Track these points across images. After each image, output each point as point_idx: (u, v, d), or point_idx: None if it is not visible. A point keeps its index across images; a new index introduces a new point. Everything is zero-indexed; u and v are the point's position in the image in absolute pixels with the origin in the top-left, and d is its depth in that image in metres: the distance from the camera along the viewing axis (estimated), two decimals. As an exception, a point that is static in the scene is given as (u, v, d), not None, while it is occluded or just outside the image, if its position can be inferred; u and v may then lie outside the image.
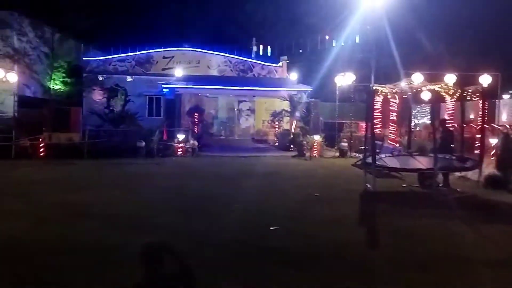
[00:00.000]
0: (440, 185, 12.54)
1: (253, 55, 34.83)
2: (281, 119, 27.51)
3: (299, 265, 6.31)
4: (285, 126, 28.05)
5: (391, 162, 12.58)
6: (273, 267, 6.21)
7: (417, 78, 20.43)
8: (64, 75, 23.12)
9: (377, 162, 11.89)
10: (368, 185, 12.36)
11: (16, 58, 22.09)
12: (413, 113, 22.39)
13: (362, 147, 20.54)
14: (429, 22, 25.37)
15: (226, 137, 30.31)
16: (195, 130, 24.63)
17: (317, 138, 21.39)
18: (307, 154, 21.04)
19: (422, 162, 12.53)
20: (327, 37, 34.36)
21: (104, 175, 15.26)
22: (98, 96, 27.99)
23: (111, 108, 26.94)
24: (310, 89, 27.41)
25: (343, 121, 24.42)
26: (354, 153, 21.25)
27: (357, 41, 28.12)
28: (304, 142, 21.19)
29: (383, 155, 13.30)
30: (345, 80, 22.80)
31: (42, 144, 20.03)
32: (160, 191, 12.17)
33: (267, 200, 10.99)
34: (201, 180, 14.18)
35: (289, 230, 8.12)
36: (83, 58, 28.29)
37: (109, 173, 15.78)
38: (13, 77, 21.75)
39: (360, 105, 25.46)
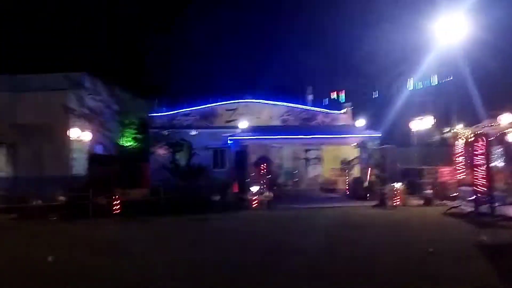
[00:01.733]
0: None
1: (309, 104, 34.34)
2: (351, 167, 26.44)
3: None
4: (355, 174, 26.92)
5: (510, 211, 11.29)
6: None
7: (505, 118, 19.20)
8: (135, 131, 23.26)
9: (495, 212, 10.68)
10: (484, 237, 11.13)
11: (90, 118, 22.49)
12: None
13: (452, 194, 19.24)
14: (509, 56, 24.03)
15: (294, 188, 29.40)
16: (265, 182, 23.93)
17: (399, 185, 20.17)
18: (389, 203, 19.81)
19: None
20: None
21: (193, 232, 14.71)
22: (163, 151, 28.07)
23: (176, 162, 26.95)
24: (380, 135, 26.40)
25: (423, 167, 23.16)
26: (440, 201, 19.85)
27: (433, 82, 26.99)
28: (385, 191, 19.97)
29: (495, 204, 12.01)
30: (422, 124, 21.73)
31: (118, 202, 19.83)
32: (264, 249, 11.35)
33: (378, 257, 9.97)
34: (294, 235, 13.35)
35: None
36: (149, 115, 28.62)
37: (197, 230, 15.27)
38: (87, 136, 22.11)
39: (442, 149, 24.33)
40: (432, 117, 21.59)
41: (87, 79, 23.74)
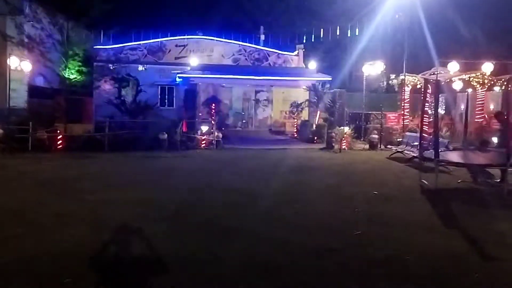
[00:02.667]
0: (497, 181, 11.81)
1: (261, 44, 33.80)
2: (300, 110, 26.60)
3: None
4: (304, 117, 27.20)
5: (453, 157, 11.73)
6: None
7: (453, 67, 19.73)
8: (80, 63, 22.05)
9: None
10: (425, 182, 11.58)
11: (30, 46, 20.97)
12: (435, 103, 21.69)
13: (397, 139, 19.85)
14: (465, 5, 24.14)
15: (243, 129, 29.38)
16: (214, 122, 23.72)
17: (347, 130, 20.53)
18: (336, 146, 20.20)
19: (486, 157, 11.69)
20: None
21: (135, 171, 14.31)
22: (109, 86, 27.02)
23: (122, 98, 26.09)
24: (330, 79, 26.62)
25: (370, 112, 23.64)
26: (385, 146, 20.46)
27: (386, 28, 27.03)
28: (333, 134, 20.29)
29: (439, 149, 12.42)
30: (373, 69, 21.94)
31: (60, 136, 19.07)
32: (206, 188, 11.25)
33: (325, 199, 10.16)
34: (241, 176, 13.35)
35: (380, 236, 7.25)
36: (94, 47, 27.13)
37: (139, 168, 14.87)
38: (26, 66, 20.74)
39: (389, 95, 24.83)
40: (383, 63, 21.79)
41: (27, 4, 21.99)
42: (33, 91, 22.76)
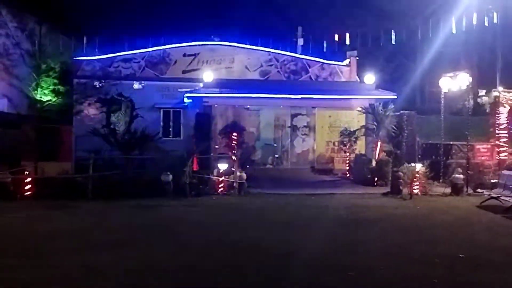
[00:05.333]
0: None
1: (299, 51, 34.16)
2: (354, 140, 26.57)
3: None
4: (360, 150, 27.15)
5: None
6: None
7: None
8: (55, 81, 22.70)
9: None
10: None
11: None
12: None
13: (491, 180, 19.61)
14: None
15: (274, 166, 29.43)
16: (236, 157, 23.95)
17: (419, 167, 20.38)
18: (405, 190, 20.04)
19: None
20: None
21: (128, 226, 14.48)
22: (94, 110, 27.63)
23: (112, 126, 26.61)
24: (395, 97, 26.61)
25: (452, 143, 23.47)
26: (474, 189, 20.22)
27: (472, 28, 26.92)
28: (400, 174, 20.17)
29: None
30: (455, 83, 21.89)
31: (29, 180, 19.51)
32: (224, 250, 11.31)
33: (390, 264, 10.06)
34: (273, 232, 13.35)
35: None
36: (75, 59, 27.88)
37: (134, 222, 15.03)
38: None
39: (478, 119, 24.61)
40: (468, 75, 21.71)
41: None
42: (-4, 118, 23.43)
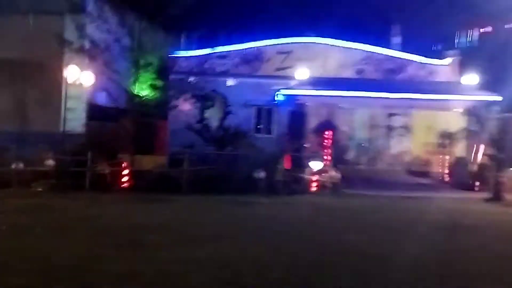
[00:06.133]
0: None
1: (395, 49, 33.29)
2: (455, 143, 25.68)
3: None
4: (459, 153, 26.22)
5: None
6: None
7: None
8: (153, 76, 23.11)
9: None
10: None
11: (93, 54, 22.31)
12: None
13: None
14: None
15: (368, 167, 28.92)
16: (329, 157, 23.63)
17: (525, 173, 19.46)
18: (509, 197, 19.18)
19: None
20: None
21: (222, 221, 14.54)
22: (188, 105, 27.97)
23: (205, 122, 26.89)
24: (500, 99, 25.41)
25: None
26: None
27: None
28: (504, 179, 19.31)
29: None
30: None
31: (126, 172, 19.97)
32: (320, 250, 11.02)
33: (496, 277, 9.48)
34: (371, 235, 12.99)
35: None
36: (170, 55, 28.27)
37: (228, 218, 15.11)
38: (87, 79, 22.07)
39: None
40: None
41: (91, 1, 23.60)
42: (94, 111, 24.06)
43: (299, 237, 12.47)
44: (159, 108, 24.87)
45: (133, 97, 22.84)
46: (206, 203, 17.50)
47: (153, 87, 23.40)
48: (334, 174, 20.67)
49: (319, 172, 20.83)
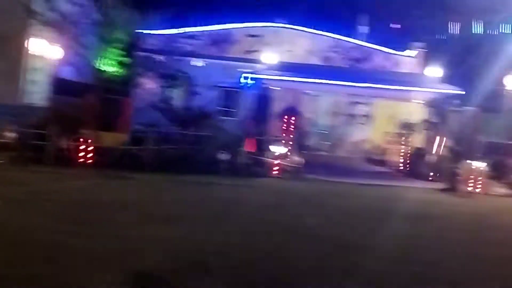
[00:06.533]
0: None
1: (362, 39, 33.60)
2: (414, 133, 26.13)
3: None
4: (418, 143, 26.71)
5: None
6: None
7: None
8: (121, 52, 22.93)
9: None
10: None
11: (61, 27, 21.97)
12: None
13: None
14: None
15: (328, 153, 29.28)
16: (292, 141, 23.86)
17: (480, 165, 19.93)
18: (464, 188, 19.67)
19: None
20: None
21: (187, 200, 14.71)
22: (152, 84, 27.80)
23: (169, 102, 26.83)
24: (461, 92, 25.92)
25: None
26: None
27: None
28: (461, 171, 19.79)
29: None
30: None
31: (90, 148, 19.86)
32: (283, 234, 11.26)
33: (456, 262, 9.92)
34: (332, 220, 13.33)
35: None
36: (139, 31, 28.01)
37: (193, 198, 15.25)
38: (54, 53, 21.81)
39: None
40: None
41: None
42: (59, 85, 23.69)
43: (261, 220, 12.64)
44: (124, 85, 24.69)
45: (99, 72, 22.64)
46: (168, 183, 17.54)
47: (120, 63, 23.25)
48: (296, 158, 20.87)
49: (282, 156, 20.99)
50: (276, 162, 20.74)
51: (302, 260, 9.28)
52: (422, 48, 31.08)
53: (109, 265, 8.01)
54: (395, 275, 8.73)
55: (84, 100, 22.94)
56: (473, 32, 30.24)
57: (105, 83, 22.91)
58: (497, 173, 21.68)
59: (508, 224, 14.72)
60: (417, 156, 25.08)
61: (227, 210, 13.67)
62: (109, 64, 22.86)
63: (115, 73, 23.40)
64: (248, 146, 21.15)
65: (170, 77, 27.58)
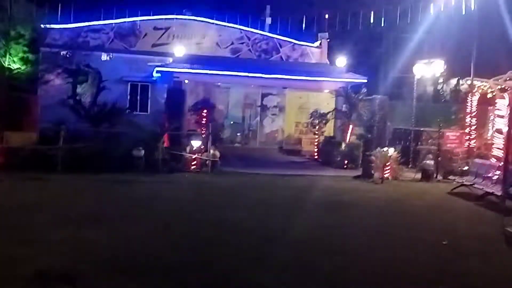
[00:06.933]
0: None
1: (266, 30, 33.92)
2: (324, 122, 26.63)
3: None
4: (329, 132, 27.28)
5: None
6: None
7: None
8: (25, 48, 22.03)
9: None
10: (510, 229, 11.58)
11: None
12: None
13: (462, 167, 19.95)
14: None
15: (243, 145, 29.40)
16: (207, 135, 23.73)
17: (391, 152, 20.56)
18: (376, 174, 20.23)
19: None
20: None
21: (103, 200, 14.26)
22: (60, 80, 26.92)
23: (78, 98, 26.02)
24: (365, 81, 26.69)
25: (422, 129, 23.77)
26: (444, 176, 20.53)
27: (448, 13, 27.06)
28: (372, 158, 20.33)
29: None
30: (429, 70, 22.11)
31: (-3, 150, 18.99)
32: (205, 228, 11.19)
33: (374, 249, 10.27)
34: (252, 212, 13.42)
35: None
36: (43, 26, 27.05)
37: (109, 197, 14.85)
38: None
39: (447, 106, 24.97)
40: (443, 62, 21.98)
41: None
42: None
43: (182, 216, 12.62)
44: (30, 82, 23.83)
45: (2, 70, 21.71)
46: (83, 182, 16.94)
47: (24, 60, 22.36)
48: (213, 152, 20.76)
49: (199, 150, 20.84)
50: (193, 156, 20.57)
51: (222, 252, 9.40)
52: (327, 39, 31.70)
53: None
54: (317, 266, 8.93)
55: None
56: (375, 21, 30.97)
57: (9, 81, 22.02)
58: (405, 158, 22.48)
59: (420, 208, 15.23)
60: (329, 144, 25.52)
61: (146, 207, 13.46)
62: (13, 61, 21.94)
63: (20, 70, 22.48)
64: (164, 142, 20.90)
65: (77, 73, 26.70)
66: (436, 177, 20.90)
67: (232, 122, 30.17)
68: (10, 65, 21.84)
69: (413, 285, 8.30)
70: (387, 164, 20.23)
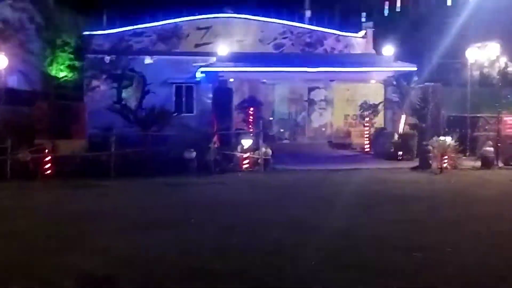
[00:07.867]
0: None
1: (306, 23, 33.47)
2: (375, 114, 26.09)
3: None
4: (380, 124, 26.72)
5: None
6: None
7: None
8: (71, 56, 22.07)
9: None
10: None
11: (6, 34, 21.05)
12: None
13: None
14: None
15: (291, 141, 29.01)
16: (257, 133, 23.44)
17: (449, 141, 19.92)
18: (434, 165, 19.65)
19: None
20: None
21: (162, 205, 13.97)
22: (105, 86, 27.06)
23: (123, 102, 26.08)
24: (415, 69, 26.02)
25: (480, 115, 23.09)
26: (505, 163, 19.87)
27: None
28: (430, 148, 19.74)
29: None
30: (483, 54, 21.38)
31: (49, 158, 18.95)
32: (275, 229, 10.75)
33: (459, 244, 9.62)
34: (316, 210, 13.00)
35: None
36: (87, 33, 27.14)
37: (167, 201, 14.54)
38: (1, 61, 20.83)
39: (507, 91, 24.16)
40: (498, 45, 21.25)
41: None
42: (7, 95, 22.78)
43: (245, 217, 12.18)
44: (76, 90, 23.94)
45: (49, 78, 21.80)
46: (138, 187, 16.81)
47: (71, 68, 22.42)
48: (265, 150, 20.42)
49: (250, 149, 20.54)
50: (245, 155, 20.27)
51: (298, 252, 9.00)
52: (371, 27, 31.14)
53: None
54: (396, 263, 8.42)
55: (35, 108, 22.09)
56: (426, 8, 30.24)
57: (56, 89, 22.11)
58: (462, 146, 21.81)
59: (488, 197, 14.61)
60: (382, 136, 24.96)
61: (208, 210, 13.08)
62: (60, 69, 22.01)
63: (66, 78, 22.54)
64: (216, 142, 20.69)
65: (122, 77, 26.81)
66: (497, 164, 20.27)
67: (279, 119, 29.80)
68: (57, 73, 21.87)
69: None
70: (445, 153, 19.64)
